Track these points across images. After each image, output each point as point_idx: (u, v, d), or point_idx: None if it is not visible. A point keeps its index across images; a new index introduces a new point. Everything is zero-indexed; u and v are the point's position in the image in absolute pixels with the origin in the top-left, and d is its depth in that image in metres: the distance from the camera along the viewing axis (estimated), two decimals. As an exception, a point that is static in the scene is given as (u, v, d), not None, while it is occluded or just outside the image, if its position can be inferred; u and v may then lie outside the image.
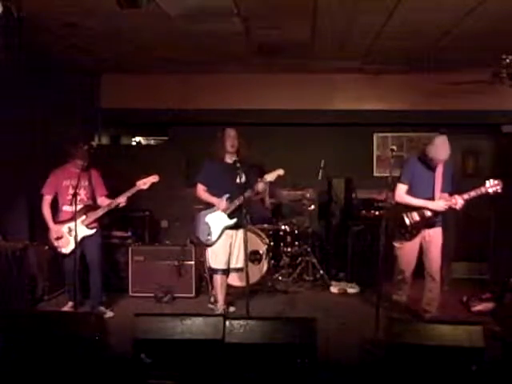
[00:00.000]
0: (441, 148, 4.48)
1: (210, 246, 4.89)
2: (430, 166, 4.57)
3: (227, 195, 4.79)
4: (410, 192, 4.63)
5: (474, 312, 5.07)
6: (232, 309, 5.13)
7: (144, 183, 4.83)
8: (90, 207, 4.95)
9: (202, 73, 6.73)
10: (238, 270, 4.96)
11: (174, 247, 5.84)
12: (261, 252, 5.92)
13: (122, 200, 4.86)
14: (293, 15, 4.51)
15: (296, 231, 6.49)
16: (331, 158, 6.65)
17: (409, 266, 4.72)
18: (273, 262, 6.23)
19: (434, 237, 4.66)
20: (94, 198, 5.02)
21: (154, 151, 7.69)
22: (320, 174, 6.41)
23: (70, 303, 4.90)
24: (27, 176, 5.27)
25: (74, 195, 4.55)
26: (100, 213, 4.92)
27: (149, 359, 3.01)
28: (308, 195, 6.51)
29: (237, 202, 4.73)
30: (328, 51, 5.73)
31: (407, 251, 4.68)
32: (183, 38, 5.17)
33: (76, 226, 4.55)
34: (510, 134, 6.91)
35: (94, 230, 4.94)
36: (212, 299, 5.24)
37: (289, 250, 6.42)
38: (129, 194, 4.85)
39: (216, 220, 4.84)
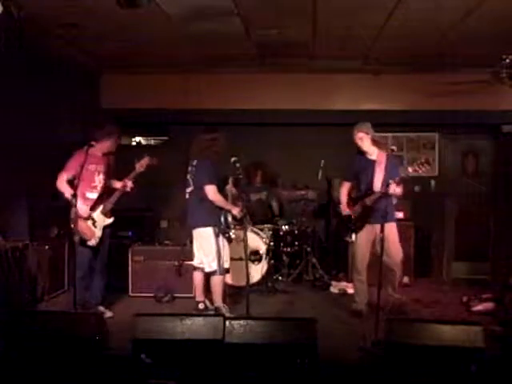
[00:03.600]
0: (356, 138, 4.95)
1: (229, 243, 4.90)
2: (369, 159, 4.91)
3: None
4: (358, 186, 5.02)
5: (474, 312, 5.07)
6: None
7: (141, 165, 4.93)
8: (106, 195, 4.93)
9: (202, 73, 6.73)
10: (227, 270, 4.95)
11: (174, 247, 5.84)
12: (261, 252, 5.92)
13: (129, 184, 4.93)
14: (293, 15, 4.51)
15: (296, 231, 6.49)
16: (331, 158, 6.65)
17: (364, 259, 4.89)
18: (273, 262, 6.23)
19: (388, 232, 4.60)
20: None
21: (154, 151, 7.67)
22: (320, 174, 6.41)
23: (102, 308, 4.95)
24: (27, 176, 5.26)
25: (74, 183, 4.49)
26: (113, 201, 4.91)
27: (149, 359, 3.02)
28: (308, 195, 6.51)
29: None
30: (328, 51, 5.74)
31: (360, 244, 4.89)
32: (183, 38, 5.17)
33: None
34: (510, 133, 6.91)
35: (112, 219, 4.94)
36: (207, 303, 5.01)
37: (289, 249, 6.42)
38: (133, 176, 4.93)
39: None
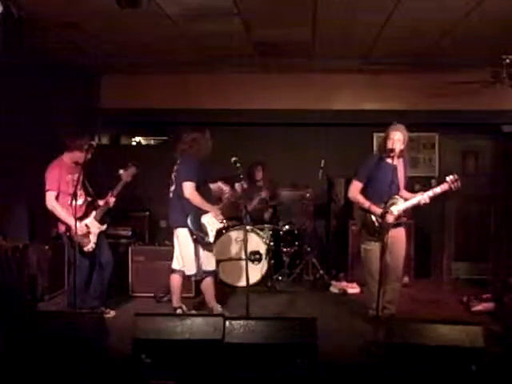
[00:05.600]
0: (394, 139, 4.44)
1: (205, 246, 4.71)
2: (391, 162, 4.39)
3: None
4: (372, 190, 4.53)
5: (473, 312, 5.07)
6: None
7: (128, 175, 4.91)
8: (95, 201, 4.95)
9: (202, 73, 6.73)
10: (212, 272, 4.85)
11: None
12: (261, 252, 5.93)
13: (112, 200, 4.92)
14: (293, 15, 4.51)
15: (296, 231, 6.49)
16: (331, 158, 6.65)
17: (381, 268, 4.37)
18: (273, 262, 6.23)
19: (397, 237, 4.55)
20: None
21: (154, 151, 7.68)
22: (320, 174, 6.41)
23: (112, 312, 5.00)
24: (27, 176, 5.26)
25: (75, 193, 4.51)
26: (104, 208, 4.92)
27: (149, 359, 3.01)
28: (308, 195, 6.51)
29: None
30: (328, 51, 5.73)
31: (377, 253, 4.29)
32: (183, 38, 5.17)
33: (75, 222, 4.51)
34: (510, 133, 6.91)
35: (105, 225, 4.95)
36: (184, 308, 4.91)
37: (289, 249, 6.42)
38: (120, 187, 4.90)
39: (212, 220, 4.69)
